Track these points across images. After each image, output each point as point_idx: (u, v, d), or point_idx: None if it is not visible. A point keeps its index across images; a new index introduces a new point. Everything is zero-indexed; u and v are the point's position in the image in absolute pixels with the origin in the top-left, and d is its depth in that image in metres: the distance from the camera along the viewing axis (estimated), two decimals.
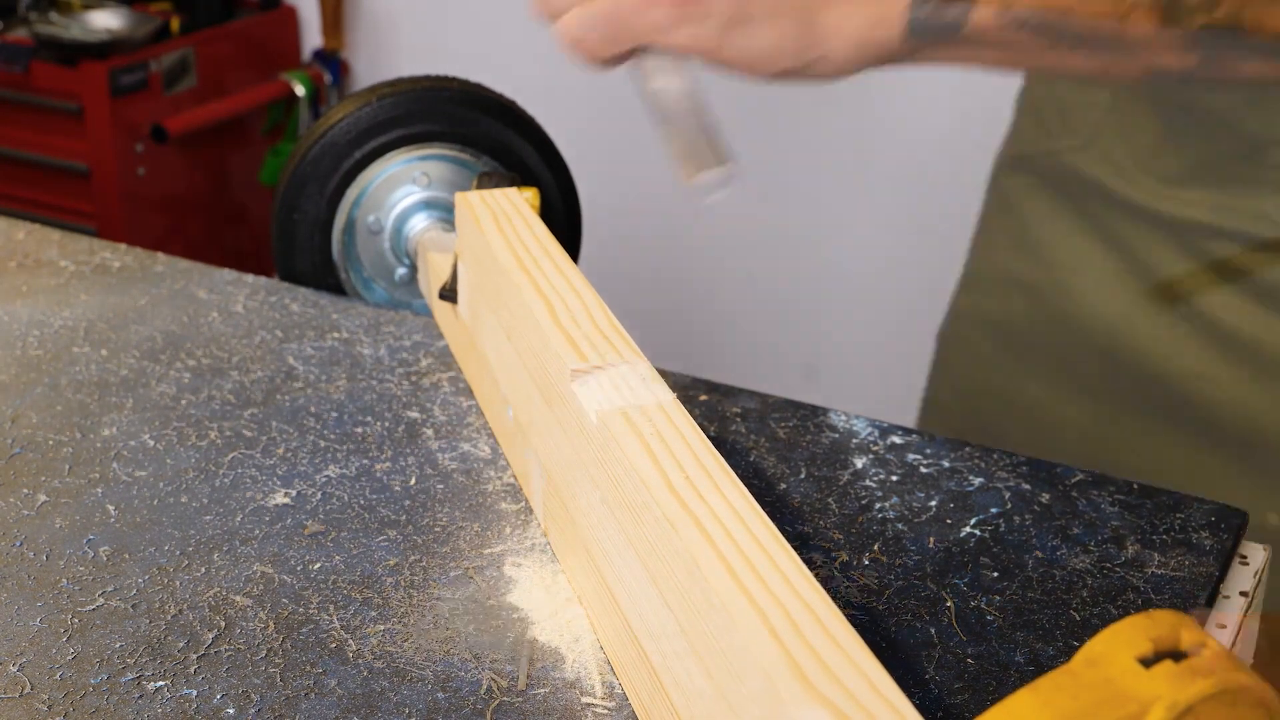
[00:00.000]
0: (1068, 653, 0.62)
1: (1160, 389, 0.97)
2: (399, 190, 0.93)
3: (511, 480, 0.74)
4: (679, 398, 0.61)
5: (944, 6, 0.68)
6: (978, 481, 0.74)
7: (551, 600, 0.65)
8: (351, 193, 0.92)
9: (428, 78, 0.93)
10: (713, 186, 0.63)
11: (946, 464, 0.76)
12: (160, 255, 0.98)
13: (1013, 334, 1.07)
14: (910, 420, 0.87)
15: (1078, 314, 1.01)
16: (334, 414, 0.79)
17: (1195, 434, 0.97)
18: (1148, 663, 0.42)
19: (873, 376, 2.40)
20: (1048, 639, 0.63)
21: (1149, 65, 0.69)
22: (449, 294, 0.84)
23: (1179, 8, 0.66)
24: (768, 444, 0.78)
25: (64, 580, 0.65)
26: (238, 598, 0.64)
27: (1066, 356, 1.03)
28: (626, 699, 0.59)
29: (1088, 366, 1.02)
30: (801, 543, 0.69)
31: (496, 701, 0.59)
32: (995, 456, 0.76)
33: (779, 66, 0.69)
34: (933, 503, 0.73)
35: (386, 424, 0.79)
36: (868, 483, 0.74)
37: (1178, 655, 0.43)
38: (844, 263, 2.34)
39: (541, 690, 0.59)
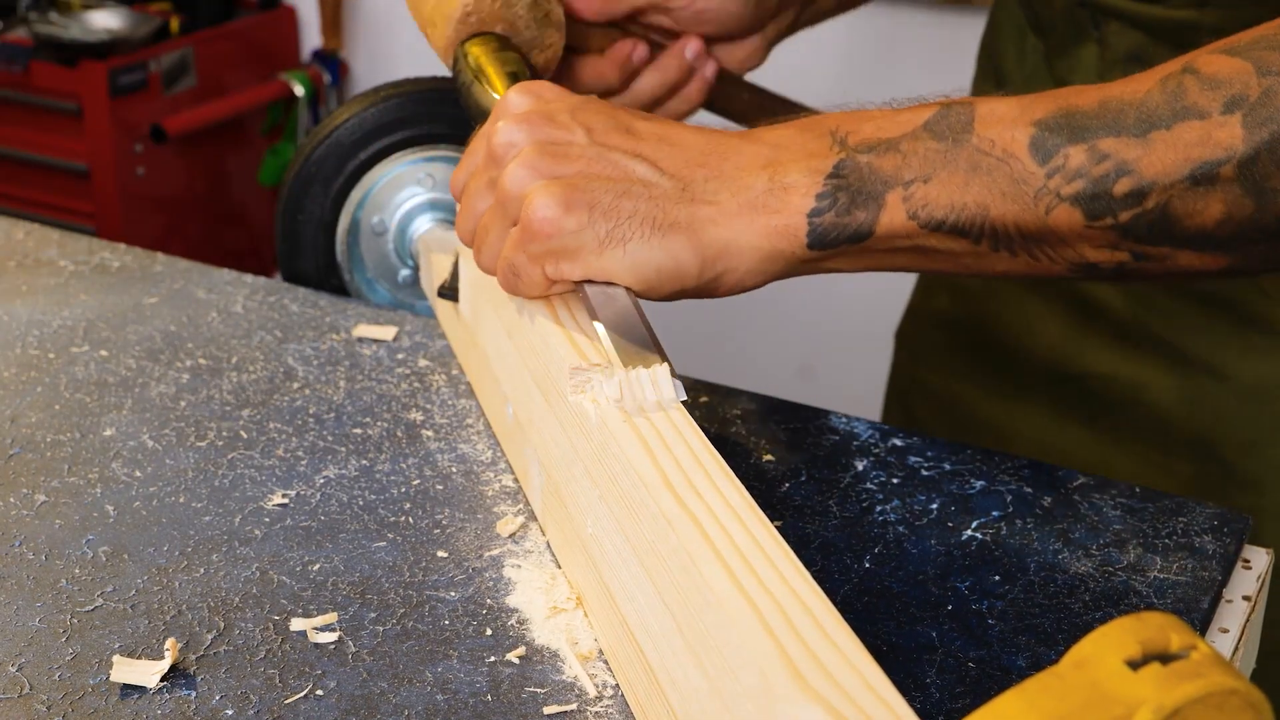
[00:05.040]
0: None
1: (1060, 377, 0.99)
2: (404, 191, 0.92)
3: (510, 482, 0.74)
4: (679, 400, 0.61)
5: (850, 211, 0.64)
6: (979, 484, 0.74)
7: (550, 601, 0.65)
8: (356, 194, 0.92)
9: (433, 79, 0.93)
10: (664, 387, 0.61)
11: (948, 466, 0.76)
12: (160, 255, 0.98)
13: (949, 332, 1.08)
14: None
15: (996, 311, 1.02)
16: (333, 415, 0.79)
17: (1096, 421, 0.98)
18: (1135, 665, 0.42)
19: (870, 377, 2.40)
20: (1049, 643, 0.63)
21: (1077, 261, 0.64)
22: (448, 292, 0.83)
23: (1104, 201, 0.62)
24: (768, 446, 0.78)
25: (63, 580, 0.65)
26: (236, 598, 0.64)
27: (988, 356, 1.04)
28: (624, 697, 0.59)
29: (1008, 367, 1.03)
30: (802, 544, 0.69)
31: (496, 703, 0.58)
32: (996, 459, 0.76)
33: (676, 287, 0.65)
34: (934, 505, 0.72)
35: (386, 425, 0.78)
36: (869, 485, 0.74)
37: (1166, 658, 0.42)
38: None
39: (540, 691, 0.59)
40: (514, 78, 0.78)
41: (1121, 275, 0.65)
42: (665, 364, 0.62)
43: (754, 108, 0.98)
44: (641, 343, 0.63)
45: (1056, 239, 0.64)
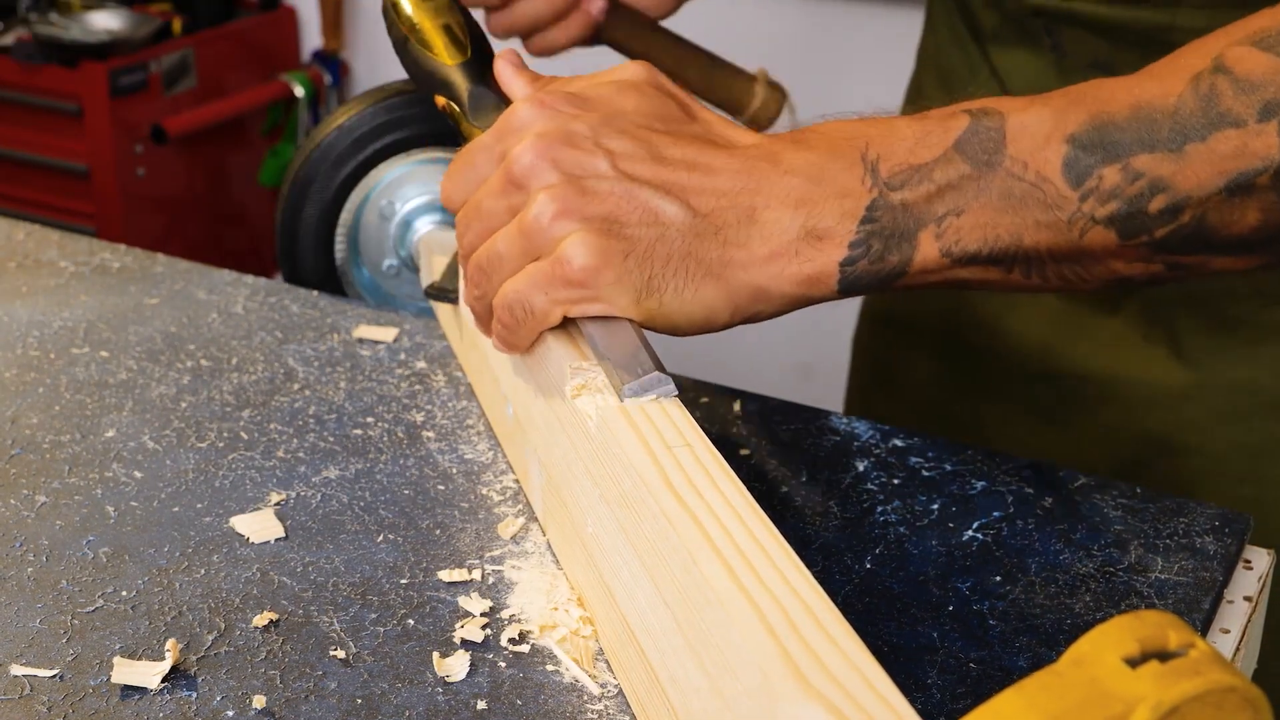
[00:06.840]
0: None
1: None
2: (417, 186, 0.92)
3: (511, 483, 0.74)
4: (679, 400, 0.61)
5: (884, 257, 0.62)
6: (980, 485, 0.74)
7: (551, 602, 0.65)
8: (367, 182, 0.92)
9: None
10: (646, 389, 0.61)
11: (949, 467, 0.76)
12: (160, 256, 0.98)
13: (899, 321, 1.09)
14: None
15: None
16: (333, 416, 0.79)
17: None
18: (1134, 663, 0.42)
19: None
20: (1050, 643, 0.63)
21: (1108, 276, 0.64)
22: (436, 293, 0.83)
23: (1139, 219, 0.61)
24: (769, 447, 0.78)
25: (64, 581, 0.65)
26: (237, 599, 0.64)
27: (944, 339, 1.05)
28: (624, 697, 0.59)
29: (953, 344, 1.03)
30: (803, 545, 0.69)
31: (496, 704, 0.58)
32: (998, 460, 0.76)
33: (702, 330, 0.64)
34: (935, 506, 0.72)
35: (386, 426, 0.78)
36: (869, 486, 0.74)
37: (1165, 655, 0.42)
38: None
39: (540, 691, 0.59)
40: (448, 30, 0.75)
41: (1154, 283, 0.65)
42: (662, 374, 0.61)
43: (656, 51, 0.97)
44: (641, 356, 0.62)
45: (1090, 259, 0.63)
